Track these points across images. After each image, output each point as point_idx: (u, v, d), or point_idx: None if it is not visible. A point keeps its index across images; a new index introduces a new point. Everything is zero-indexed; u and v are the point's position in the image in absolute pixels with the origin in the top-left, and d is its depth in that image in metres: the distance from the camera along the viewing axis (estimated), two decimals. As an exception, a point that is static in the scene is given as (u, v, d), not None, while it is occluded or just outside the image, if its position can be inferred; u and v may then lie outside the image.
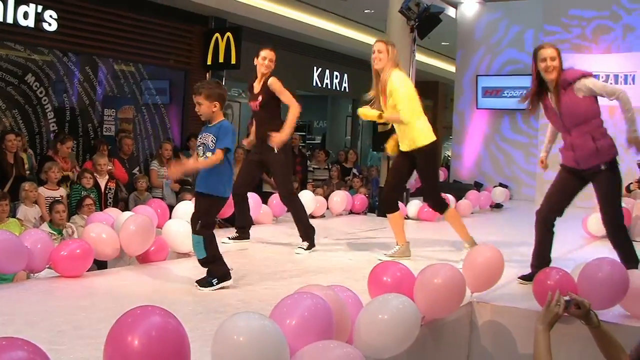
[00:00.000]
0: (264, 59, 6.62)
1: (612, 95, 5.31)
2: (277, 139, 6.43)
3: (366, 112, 6.40)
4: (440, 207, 6.53)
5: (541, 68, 5.41)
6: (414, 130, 6.22)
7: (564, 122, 5.42)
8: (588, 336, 3.56)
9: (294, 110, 6.55)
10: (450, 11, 15.74)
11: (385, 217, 6.72)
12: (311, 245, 6.72)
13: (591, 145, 5.31)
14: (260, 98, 6.64)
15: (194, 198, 5.38)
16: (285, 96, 6.61)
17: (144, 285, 5.23)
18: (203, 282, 5.05)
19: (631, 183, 9.50)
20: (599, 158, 5.34)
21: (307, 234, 6.78)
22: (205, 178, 5.10)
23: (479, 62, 15.75)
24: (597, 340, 3.45)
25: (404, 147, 6.37)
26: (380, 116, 6.25)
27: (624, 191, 9.42)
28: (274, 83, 6.57)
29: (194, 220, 5.10)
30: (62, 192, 8.48)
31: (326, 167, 13.74)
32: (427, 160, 6.33)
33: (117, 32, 12.20)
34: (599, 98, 5.38)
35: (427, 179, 6.43)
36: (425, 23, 11.44)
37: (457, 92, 16.23)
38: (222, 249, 5.26)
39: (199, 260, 5.14)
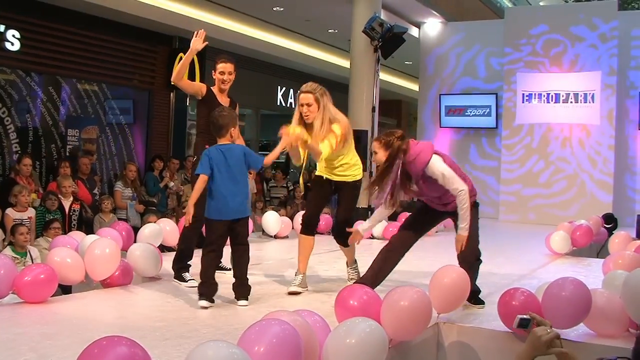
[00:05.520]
0: (222, 73, 6.25)
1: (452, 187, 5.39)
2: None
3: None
4: (345, 238, 6.13)
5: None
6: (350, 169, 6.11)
7: (433, 200, 5.62)
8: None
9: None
10: (414, 31, 15.92)
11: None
12: (181, 279, 6.15)
13: (451, 206, 5.47)
14: None
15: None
16: None
17: (110, 310, 5.20)
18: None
19: None
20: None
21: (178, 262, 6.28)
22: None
23: (441, 81, 15.95)
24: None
25: (334, 178, 6.09)
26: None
27: None
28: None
29: None
30: (30, 213, 8.35)
31: (284, 185, 13.72)
32: (357, 192, 6.21)
33: (81, 52, 12.16)
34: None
35: (351, 210, 6.24)
36: (389, 43, 11.57)
37: (421, 111, 16.39)
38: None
39: None
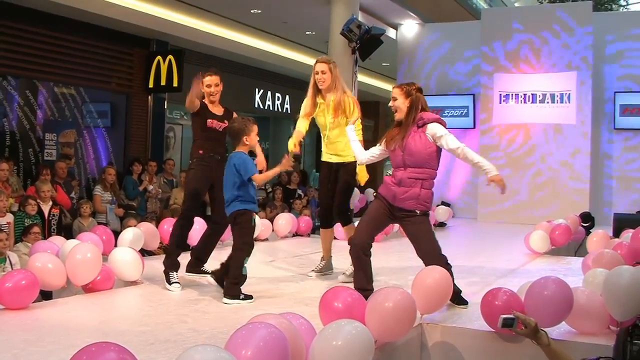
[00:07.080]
0: (209, 86, 6.32)
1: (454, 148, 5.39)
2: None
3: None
4: (346, 219, 6.73)
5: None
6: (348, 147, 6.32)
7: (405, 158, 5.42)
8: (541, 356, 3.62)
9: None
10: (391, 32, 15.96)
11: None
12: (167, 278, 6.10)
13: (417, 190, 5.37)
14: (227, 122, 6.32)
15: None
16: None
17: (92, 315, 5.17)
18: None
19: None
20: (417, 204, 5.39)
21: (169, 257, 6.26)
22: None
23: (419, 82, 15.97)
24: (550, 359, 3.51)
25: (334, 159, 6.56)
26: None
27: None
28: None
29: None
30: (9, 218, 8.26)
31: (262, 187, 13.66)
32: (352, 174, 6.56)
33: (58, 55, 12.11)
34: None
35: (346, 191, 6.60)
36: (367, 44, 11.61)
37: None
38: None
39: None
